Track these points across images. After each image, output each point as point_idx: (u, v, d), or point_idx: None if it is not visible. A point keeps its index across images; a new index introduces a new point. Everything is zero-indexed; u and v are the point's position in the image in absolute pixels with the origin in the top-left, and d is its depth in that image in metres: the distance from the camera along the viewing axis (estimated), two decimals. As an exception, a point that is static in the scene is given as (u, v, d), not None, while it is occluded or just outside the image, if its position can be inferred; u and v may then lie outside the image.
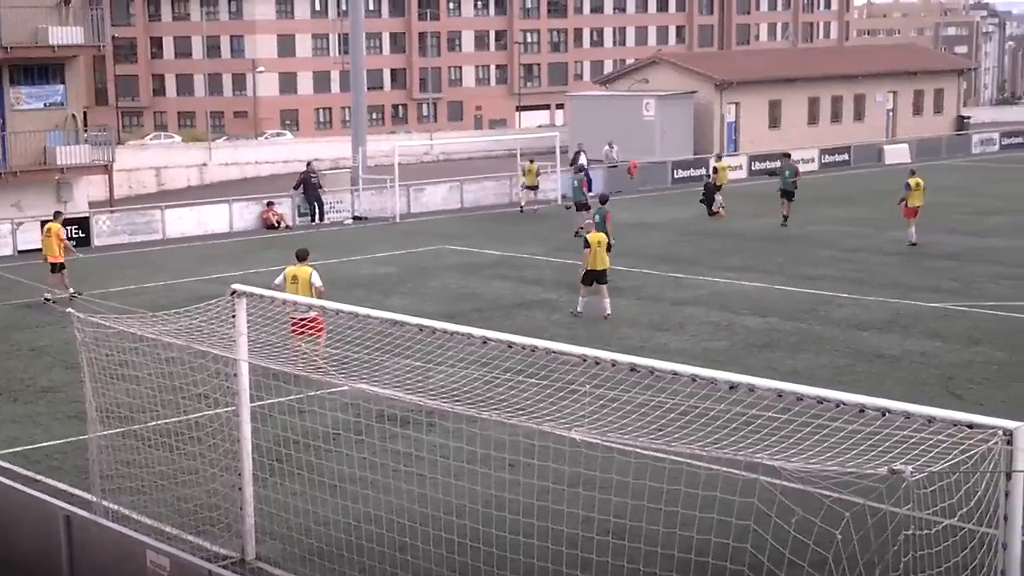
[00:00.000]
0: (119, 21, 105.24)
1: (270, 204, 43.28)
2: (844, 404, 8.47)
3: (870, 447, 8.27)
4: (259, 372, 13.15)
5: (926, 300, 26.65)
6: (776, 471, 8.50)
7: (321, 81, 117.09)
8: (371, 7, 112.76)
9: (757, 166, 58.95)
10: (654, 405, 9.75)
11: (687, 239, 37.21)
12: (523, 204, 45.65)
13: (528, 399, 10.18)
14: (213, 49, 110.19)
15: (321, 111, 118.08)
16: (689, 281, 29.75)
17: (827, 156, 61.38)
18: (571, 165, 51.26)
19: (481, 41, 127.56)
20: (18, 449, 17.37)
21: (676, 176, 54.36)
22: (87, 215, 40.30)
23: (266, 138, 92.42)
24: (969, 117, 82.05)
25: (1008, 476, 7.98)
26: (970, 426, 8.03)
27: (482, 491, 12.57)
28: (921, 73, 78.25)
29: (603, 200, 30.56)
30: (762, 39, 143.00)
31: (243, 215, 42.84)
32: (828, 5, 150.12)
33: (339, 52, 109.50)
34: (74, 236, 36.80)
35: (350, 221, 44.24)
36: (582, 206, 38.63)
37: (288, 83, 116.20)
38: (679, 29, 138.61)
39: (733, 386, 8.94)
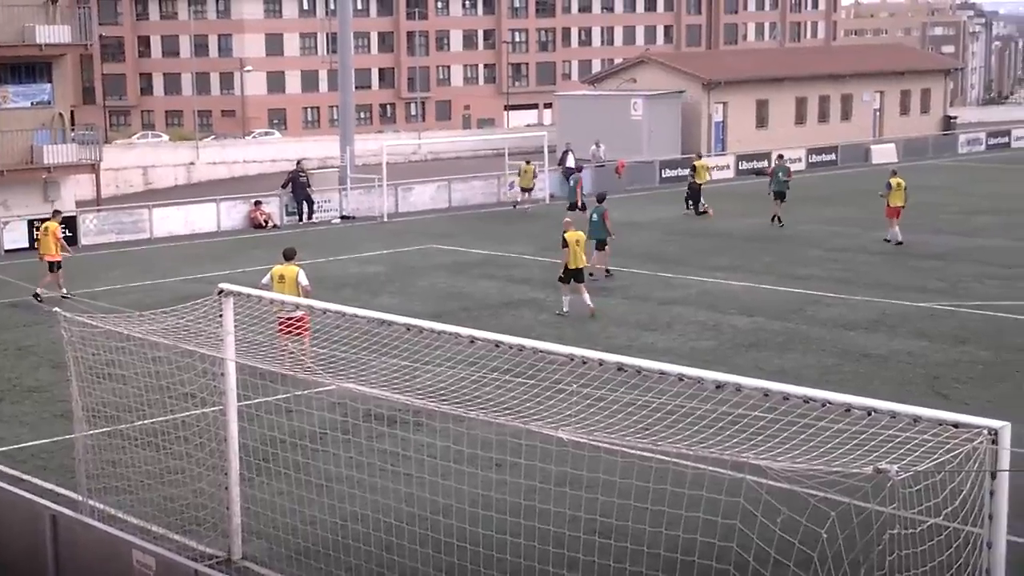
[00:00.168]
0: (106, 20, 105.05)
1: (258, 203, 43.22)
2: (830, 404, 8.49)
3: (856, 446, 8.29)
4: (246, 371, 13.14)
5: (913, 300, 26.72)
6: (762, 470, 8.52)
7: (309, 80, 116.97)
8: (359, 6, 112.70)
9: (745, 165, 59.07)
10: (641, 404, 9.76)
11: (675, 239, 37.26)
12: (517, 201, 45.84)
13: (515, 398, 10.19)
14: (201, 48, 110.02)
15: (309, 110, 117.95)
16: (677, 281, 29.78)
17: (814, 156, 61.53)
18: (559, 164, 51.29)
19: (469, 40, 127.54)
20: (4, 448, 17.33)
21: (664, 176, 54.42)
22: (74, 214, 40.17)
23: (254, 137, 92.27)
24: (956, 117, 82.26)
25: (993, 475, 8.00)
26: (955, 425, 8.06)
27: (469, 490, 12.58)
28: (908, 73, 78.43)
29: (600, 199, 30.74)
30: (750, 39, 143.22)
31: (230, 214, 42.77)
32: (815, 5, 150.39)
33: (327, 51, 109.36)
34: (61, 235, 36.64)
35: (338, 220, 44.20)
36: (574, 206, 38.64)
37: (276, 82, 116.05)
38: (667, 29, 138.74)
39: (720, 385, 8.96)
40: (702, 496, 10.24)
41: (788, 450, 8.52)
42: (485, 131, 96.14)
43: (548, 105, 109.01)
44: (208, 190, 53.71)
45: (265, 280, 20.64)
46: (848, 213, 41.23)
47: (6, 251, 37.29)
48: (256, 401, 14.60)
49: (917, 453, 7.98)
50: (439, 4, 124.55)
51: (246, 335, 12.70)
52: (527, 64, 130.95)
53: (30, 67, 43.83)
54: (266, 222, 42.47)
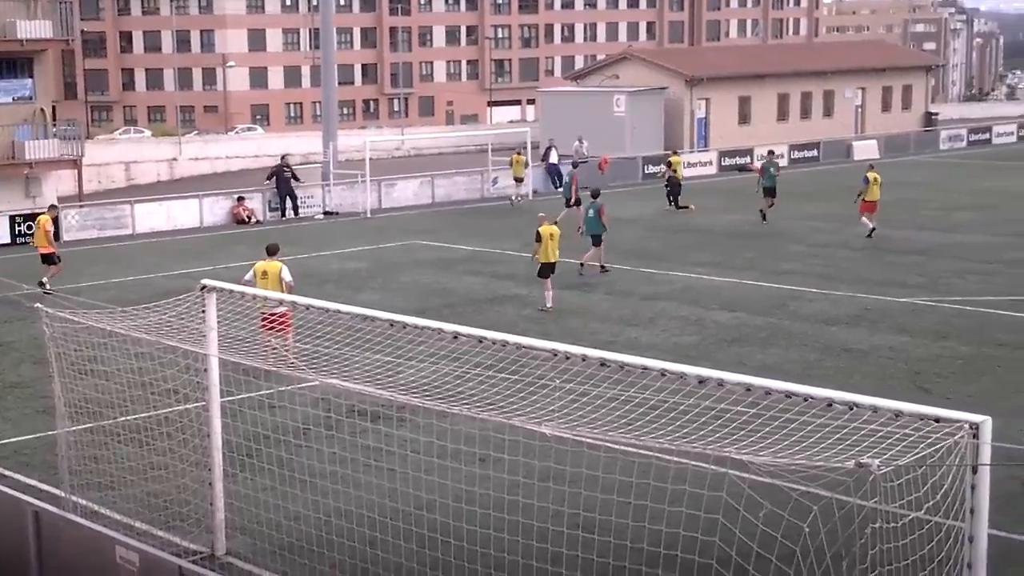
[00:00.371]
0: (88, 15, 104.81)
1: (240, 199, 43.12)
2: (812, 398, 8.51)
3: (838, 441, 8.32)
4: (229, 367, 13.12)
5: (894, 295, 26.82)
6: (744, 465, 8.55)
7: (292, 76, 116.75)
8: (342, 2, 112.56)
9: (727, 162, 59.18)
10: (624, 399, 9.79)
11: (658, 234, 37.32)
12: (511, 197, 46.10)
13: (499, 394, 10.21)
14: (183, 43, 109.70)
15: (292, 106, 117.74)
16: (660, 276, 29.83)
17: (796, 152, 61.68)
18: (542, 160, 51.32)
19: (452, 36, 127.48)
20: (-14, 445, 17.28)
21: (646, 172, 54.46)
22: (45, 209, 39.94)
23: (236, 133, 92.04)
24: (937, 113, 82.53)
25: (974, 469, 8.04)
26: (936, 420, 8.09)
27: (452, 486, 12.60)
28: (890, 70, 78.65)
29: (595, 194, 30.99)
30: (732, 35, 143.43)
31: (213, 210, 42.67)
32: (798, 2, 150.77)
33: (310, 47, 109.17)
34: (50, 229, 36.56)
35: (321, 216, 44.14)
36: (569, 202, 38.74)
37: (259, 78, 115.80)
38: (649, 25, 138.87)
39: (702, 380, 8.98)
40: (685, 491, 10.27)
41: (770, 444, 8.55)
42: (468, 127, 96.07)
43: (531, 101, 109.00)
44: (191, 186, 53.54)
45: (248, 276, 20.61)
46: (830, 209, 41.31)
47: (-13, 247, 37.15)
48: (239, 397, 14.58)
49: (899, 447, 8.01)
50: (422, 0, 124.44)
51: (229, 331, 12.69)
52: (510, 60, 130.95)
53: (11, 62, 43.67)
54: (249, 218, 42.38)
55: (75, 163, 46.05)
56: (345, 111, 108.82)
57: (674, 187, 43.47)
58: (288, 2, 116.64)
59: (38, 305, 13.81)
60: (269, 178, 44.41)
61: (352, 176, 45.82)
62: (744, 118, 70.86)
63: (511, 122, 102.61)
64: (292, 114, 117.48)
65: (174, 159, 66.04)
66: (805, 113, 73.85)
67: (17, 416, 18.76)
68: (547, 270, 26.01)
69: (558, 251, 26.29)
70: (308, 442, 15.21)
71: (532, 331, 22.63)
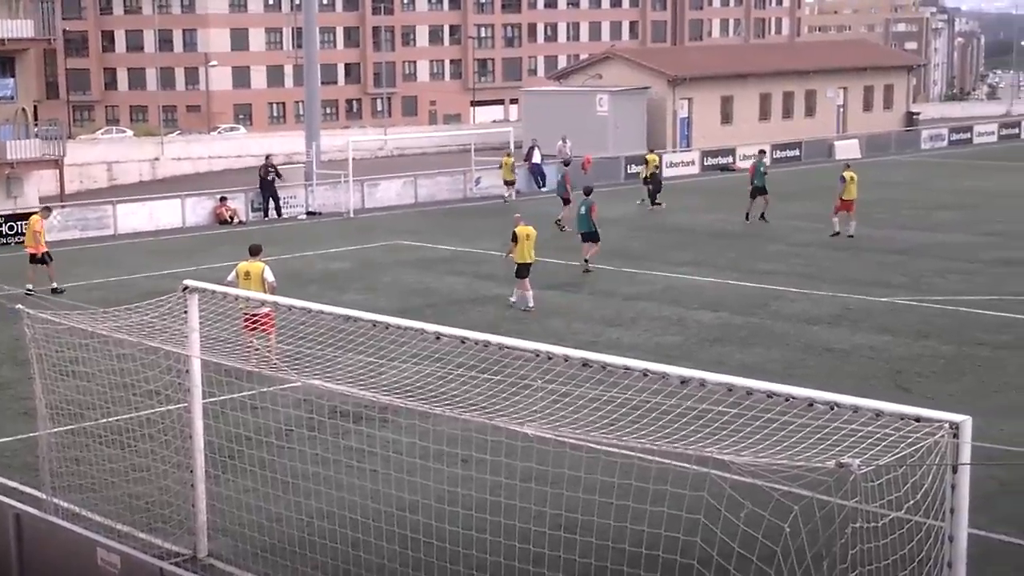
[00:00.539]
0: (70, 14, 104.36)
1: (223, 199, 43.03)
2: (793, 398, 8.53)
3: (819, 440, 8.34)
4: (211, 368, 13.10)
5: (875, 295, 26.91)
6: (726, 465, 8.56)
7: (275, 75, 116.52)
8: (325, 1, 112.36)
9: (709, 161, 59.29)
10: (606, 400, 9.80)
11: (640, 234, 37.36)
12: (505, 196, 46.38)
13: (481, 395, 10.21)
14: (165, 43, 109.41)
15: (275, 105, 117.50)
16: (642, 276, 29.87)
17: (778, 151, 61.81)
18: (525, 160, 51.35)
19: (435, 36, 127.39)
20: (-33, 447, 17.21)
21: (629, 171, 54.51)
22: (37, 210, 39.85)
23: (219, 133, 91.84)
24: (918, 113, 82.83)
25: (954, 469, 8.07)
26: (917, 419, 8.11)
27: (435, 487, 12.60)
28: (871, 69, 78.92)
29: (587, 192, 31.31)
30: (715, 35, 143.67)
31: (196, 210, 42.58)
32: (780, 1, 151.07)
33: (293, 46, 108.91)
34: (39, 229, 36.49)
35: (304, 216, 44.08)
36: (565, 200, 38.90)
37: (241, 77, 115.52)
38: (632, 25, 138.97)
39: (684, 380, 9.00)
40: (667, 491, 10.29)
41: (752, 444, 8.57)
42: (451, 127, 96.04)
43: (514, 101, 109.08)
44: (173, 186, 53.46)
45: (231, 277, 20.56)
46: (812, 208, 41.40)
47: (-32, 247, 37.00)
48: (222, 398, 14.56)
49: (879, 447, 8.03)
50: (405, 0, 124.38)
51: (211, 332, 12.67)
52: (493, 60, 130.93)
53: (-8, 62, 43.53)
54: (231, 218, 42.30)
55: (57, 163, 45.91)
56: (328, 111, 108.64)
57: (656, 184, 43.65)
58: (271, 1, 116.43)
59: (19, 306, 13.75)
60: (267, 175, 44.01)
61: (335, 176, 45.77)
62: (726, 118, 71.03)
63: (494, 122, 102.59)
64: (275, 114, 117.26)
65: (156, 159, 65.91)
66: (787, 113, 74.07)
67: (-2, 417, 18.68)
68: (524, 270, 26.09)
69: (534, 251, 26.38)
70: (290, 443, 15.19)
71: (514, 331, 22.62)
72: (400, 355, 11.22)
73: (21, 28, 43.03)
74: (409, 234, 38.31)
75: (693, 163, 58.97)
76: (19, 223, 35.90)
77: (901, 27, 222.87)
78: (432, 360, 11.11)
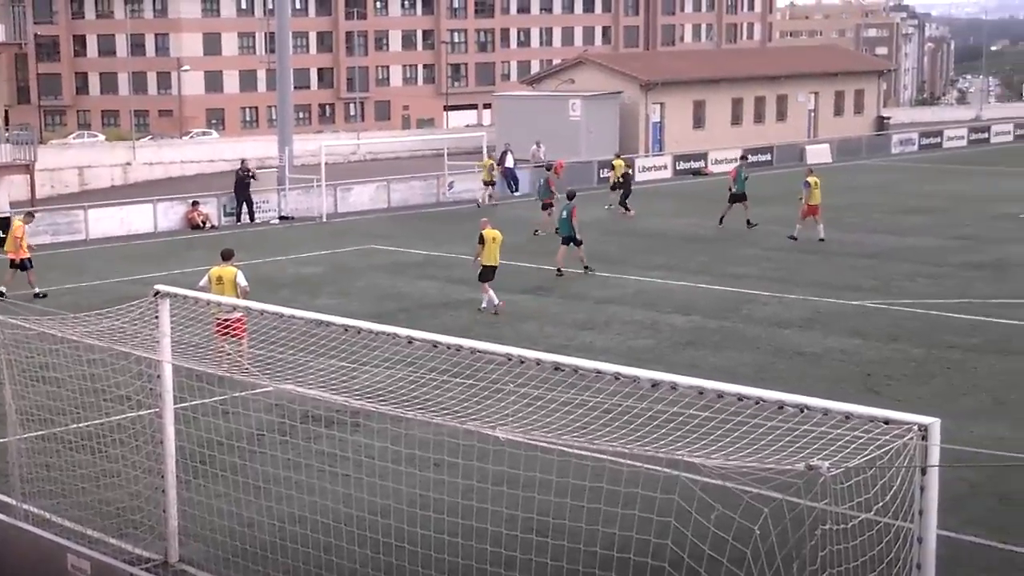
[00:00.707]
0: (41, 19, 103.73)
1: (195, 204, 42.91)
2: (764, 401, 8.56)
3: (789, 443, 8.37)
4: (183, 373, 13.06)
5: (846, 298, 27.05)
6: (697, 468, 8.60)
7: (247, 80, 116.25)
8: (298, 6, 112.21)
9: (682, 166, 59.46)
10: (578, 403, 9.84)
11: (612, 238, 37.43)
12: (479, 200, 46.52)
13: (453, 399, 10.22)
14: (137, 47, 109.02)
15: (247, 110, 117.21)
16: (614, 280, 29.95)
17: (750, 156, 61.96)
18: (498, 165, 51.37)
19: (408, 41, 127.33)
20: (-64, 453, 17.09)
21: (602, 176, 54.57)
22: (8, 215, 39.65)
23: (191, 137, 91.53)
24: (889, 117, 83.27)
25: (923, 471, 8.11)
26: (886, 422, 8.15)
27: (407, 491, 12.60)
28: (842, 74, 79.32)
29: (570, 196, 31.61)
30: (687, 40, 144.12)
31: (168, 215, 42.43)
32: (751, 7, 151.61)
33: (265, 51, 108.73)
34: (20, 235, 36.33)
35: (276, 221, 43.99)
36: (546, 205, 38.98)
37: (214, 82, 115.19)
38: (605, 30, 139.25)
39: (655, 384, 9.03)
40: (638, 494, 10.32)
41: (722, 447, 8.60)
42: (424, 131, 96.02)
43: (487, 105, 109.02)
44: (145, 191, 53.24)
45: (203, 283, 20.51)
46: (783, 213, 41.50)
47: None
48: (193, 403, 14.51)
49: (849, 449, 8.07)
50: (378, 4, 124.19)
51: (182, 337, 12.64)
52: (466, 64, 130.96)
53: (-38, 66, 43.26)
54: (203, 223, 42.18)
55: (27, 168, 45.67)
56: (301, 115, 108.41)
57: (626, 189, 43.76)
58: (243, 6, 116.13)
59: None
60: (251, 176, 43.86)
61: (308, 181, 45.70)
62: (698, 122, 71.26)
63: (467, 126, 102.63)
64: (247, 118, 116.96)
65: (128, 164, 65.60)
66: (759, 117, 74.36)
67: (-32, 423, 18.56)
68: (489, 273, 26.20)
69: (499, 255, 26.49)
70: (262, 448, 15.16)
71: (486, 335, 22.66)
72: (372, 359, 11.21)
73: (-9, 32, 42.85)
74: (382, 238, 38.29)
75: (665, 168, 59.14)
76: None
77: (872, 32, 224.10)
78: (404, 364, 11.12)
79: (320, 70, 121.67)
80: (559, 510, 11.23)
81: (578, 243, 30.60)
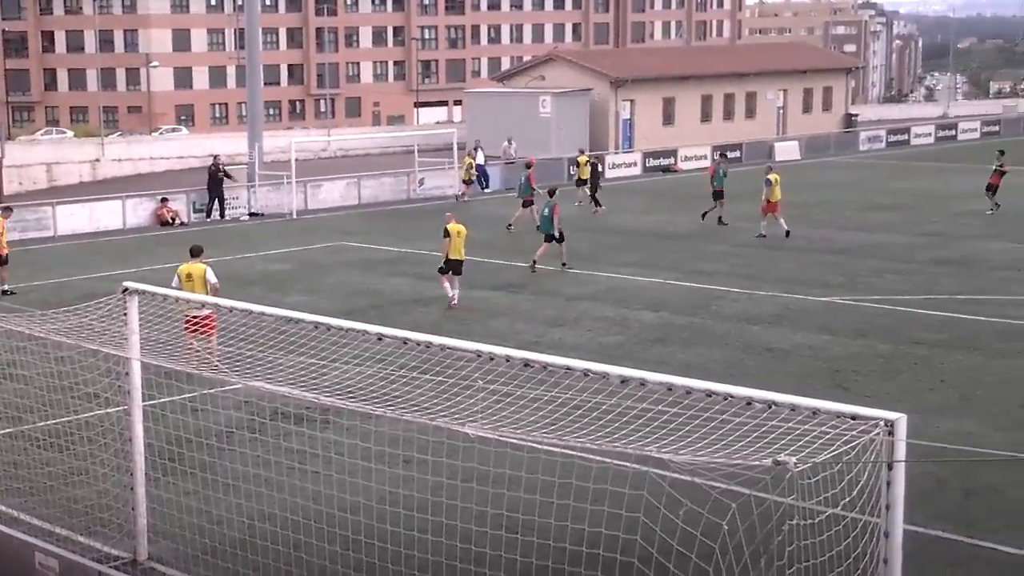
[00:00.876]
0: (9, 14, 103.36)
1: (164, 200, 42.72)
2: (732, 397, 8.59)
3: (757, 439, 8.41)
4: (151, 371, 13.02)
5: (815, 294, 27.19)
6: (665, 463, 8.63)
7: (217, 76, 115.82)
8: (268, 2, 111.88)
9: (652, 163, 59.57)
10: (547, 400, 9.85)
11: (583, 235, 37.44)
12: (458, 195, 46.82)
13: (423, 395, 10.23)
14: (106, 43, 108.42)
15: (217, 106, 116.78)
16: (585, 277, 29.99)
17: (718, 153, 62.18)
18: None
19: (379, 37, 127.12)
20: (-97, 451, 16.98)
21: (572, 172, 54.63)
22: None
23: (160, 134, 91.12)
24: (857, 115, 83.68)
25: (889, 466, 8.16)
26: (853, 417, 8.20)
27: (377, 488, 12.60)
28: (811, 71, 79.68)
29: (551, 193, 32.01)
30: (656, 37, 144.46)
31: (137, 212, 42.24)
32: (721, 4, 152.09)
33: (235, 47, 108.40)
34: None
35: (246, 218, 43.85)
36: (527, 203, 39.01)
37: (183, 78, 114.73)
38: (575, 26, 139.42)
39: (624, 380, 9.05)
40: (607, 490, 10.35)
41: (690, 443, 8.63)
42: (395, 128, 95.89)
43: (458, 102, 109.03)
44: (114, 187, 52.95)
45: (175, 283, 20.36)
46: (752, 209, 41.65)
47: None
48: (162, 400, 14.47)
49: (816, 445, 8.11)
50: (348, 0, 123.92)
51: (151, 334, 12.59)
52: (437, 61, 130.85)
53: (-72, 62, 42.90)
54: (173, 219, 42.01)
55: (-6, 164, 45.35)
56: (271, 112, 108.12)
57: (593, 184, 43.83)
58: (213, 2, 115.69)
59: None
60: (226, 175, 43.67)
61: (278, 177, 45.58)
62: (668, 119, 71.45)
63: (438, 123, 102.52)
64: (217, 115, 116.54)
65: (97, 160, 65.28)
66: (728, 114, 74.62)
67: (-65, 422, 18.45)
68: (451, 266, 26.33)
69: (464, 249, 26.55)
70: (232, 445, 15.13)
71: (457, 332, 22.66)
72: (342, 356, 11.20)
73: (-43, 27, 42.51)
74: (352, 235, 38.23)
75: (635, 164, 59.25)
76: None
77: (840, 30, 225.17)
78: (374, 361, 11.11)
79: (290, 66, 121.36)
80: (529, 506, 11.26)
81: (560, 240, 30.71)
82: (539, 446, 9.68)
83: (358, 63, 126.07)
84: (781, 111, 77.61)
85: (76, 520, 13.32)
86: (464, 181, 47.51)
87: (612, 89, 68.52)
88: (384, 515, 11.97)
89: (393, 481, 12.61)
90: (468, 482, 12.13)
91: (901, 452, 8.18)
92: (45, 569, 10.93)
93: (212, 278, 20.52)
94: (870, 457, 8.16)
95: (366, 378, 10.84)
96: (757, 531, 9.64)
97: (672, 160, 60.09)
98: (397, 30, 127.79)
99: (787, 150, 65.02)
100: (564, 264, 30.78)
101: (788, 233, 35.40)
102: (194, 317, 16.43)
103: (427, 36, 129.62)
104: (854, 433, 8.14)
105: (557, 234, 30.61)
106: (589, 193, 43.76)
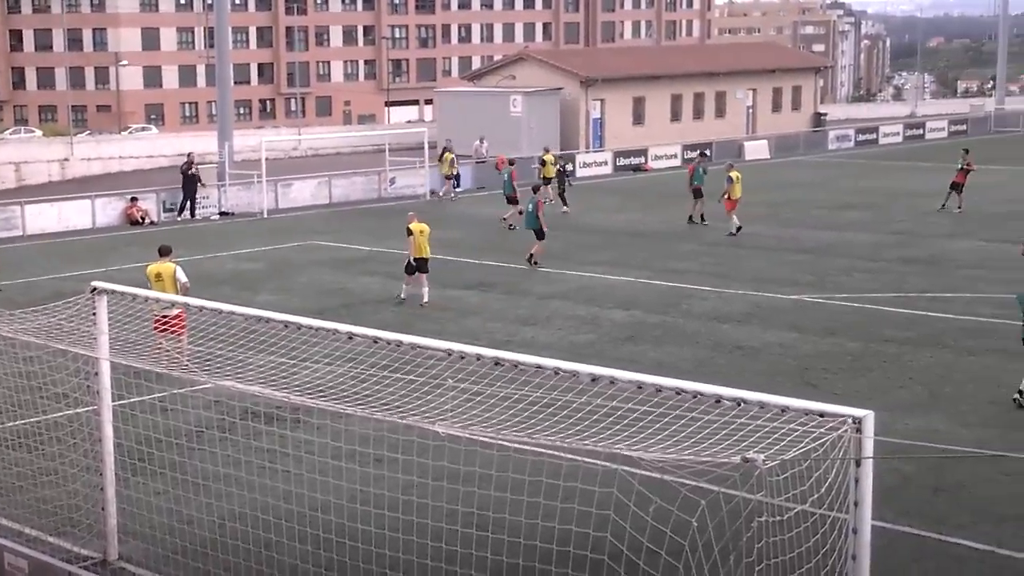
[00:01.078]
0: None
1: (134, 200, 42.53)
2: (701, 395, 8.63)
3: (726, 436, 8.45)
4: (121, 370, 12.97)
5: (784, 293, 27.31)
6: (634, 461, 8.67)
7: (187, 75, 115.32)
8: (237, 1, 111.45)
9: (622, 162, 59.68)
10: (518, 398, 9.87)
11: (554, 234, 37.41)
12: (440, 192, 47.06)
13: (394, 394, 10.23)
14: (75, 42, 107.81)
15: (187, 105, 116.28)
16: (557, 276, 30.04)
17: (689, 152, 62.26)
18: (439, 160, 51.32)
19: (349, 36, 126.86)
20: None
21: (534, 169, 54.66)
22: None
23: (130, 133, 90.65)
24: (826, 114, 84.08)
25: (857, 463, 8.22)
26: (821, 415, 8.24)
27: (348, 487, 12.60)
28: (780, 71, 80.00)
29: (535, 189, 32.89)
30: (627, 37, 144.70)
31: (106, 211, 42.04)
32: (690, 4, 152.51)
33: (205, 46, 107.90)
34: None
35: (217, 217, 43.70)
36: (512, 200, 39.04)
37: (153, 77, 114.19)
38: (546, 26, 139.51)
39: (595, 379, 9.08)
40: (577, 487, 10.39)
41: (660, 441, 8.66)
42: (366, 127, 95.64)
43: (429, 101, 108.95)
44: (83, 186, 52.62)
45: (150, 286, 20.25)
46: (721, 208, 41.85)
47: None
48: (132, 400, 14.41)
49: (785, 442, 8.16)
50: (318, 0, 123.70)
51: (120, 333, 12.55)
52: (407, 60, 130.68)
53: None
54: (142, 219, 41.83)
55: (-38, 163, 45.04)
56: (241, 111, 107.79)
57: (560, 183, 43.84)
58: (182, 1, 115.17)
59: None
60: (198, 179, 43.57)
61: (248, 176, 45.43)
62: (638, 118, 71.60)
63: (408, 122, 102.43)
64: (187, 114, 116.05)
65: (66, 159, 64.85)
66: (698, 114, 74.84)
67: (-98, 422, 18.33)
68: (422, 265, 26.43)
69: (428, 247, 26.62)
70: (202, 445, 15.10)
71: (428, 331, 22.64)
72: (313, 355, 11.20)
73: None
74: (323, 234, 38.16)
75: (606, 163, 59.34)
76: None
77: (809, 29, 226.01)
78: (345, 360, 11.11)
79: (260, 65, 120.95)
80: (499, 504, 11.28)
81: (540, 237, 30.89)
82: (509, 444, 9.70)
83: (328, 62, 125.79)
84: (751, 110, 77.90)
85: (46, 520, 13.26)
86: (447, 177, 47.50)
87: (582, 88, 68.63)
88: (355, 514, 11.97)
89: (364, 480, 12.61)
90: (439, 480, 12.15)
91: (869, 449, 8.22)
92: (14, 570, 10.88)
93: (182, 277, 20.44)
94: (838, 454, 8.21)
95: (337, 377, 10.84)
96: (726, 528, 9.69)
97: (642, 159, 60.22)
98: (368, 29, 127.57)
99: (757, 149, 65.27)
100: (534, 261, 30.87)
101: (739, 229, 35.66)
102: (164, 316, 16.36)
103: (398, 35, 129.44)
104: (822, 430, 8.18)
105: (543, 229, 30.94)
106: (557, 192, 43.77)
